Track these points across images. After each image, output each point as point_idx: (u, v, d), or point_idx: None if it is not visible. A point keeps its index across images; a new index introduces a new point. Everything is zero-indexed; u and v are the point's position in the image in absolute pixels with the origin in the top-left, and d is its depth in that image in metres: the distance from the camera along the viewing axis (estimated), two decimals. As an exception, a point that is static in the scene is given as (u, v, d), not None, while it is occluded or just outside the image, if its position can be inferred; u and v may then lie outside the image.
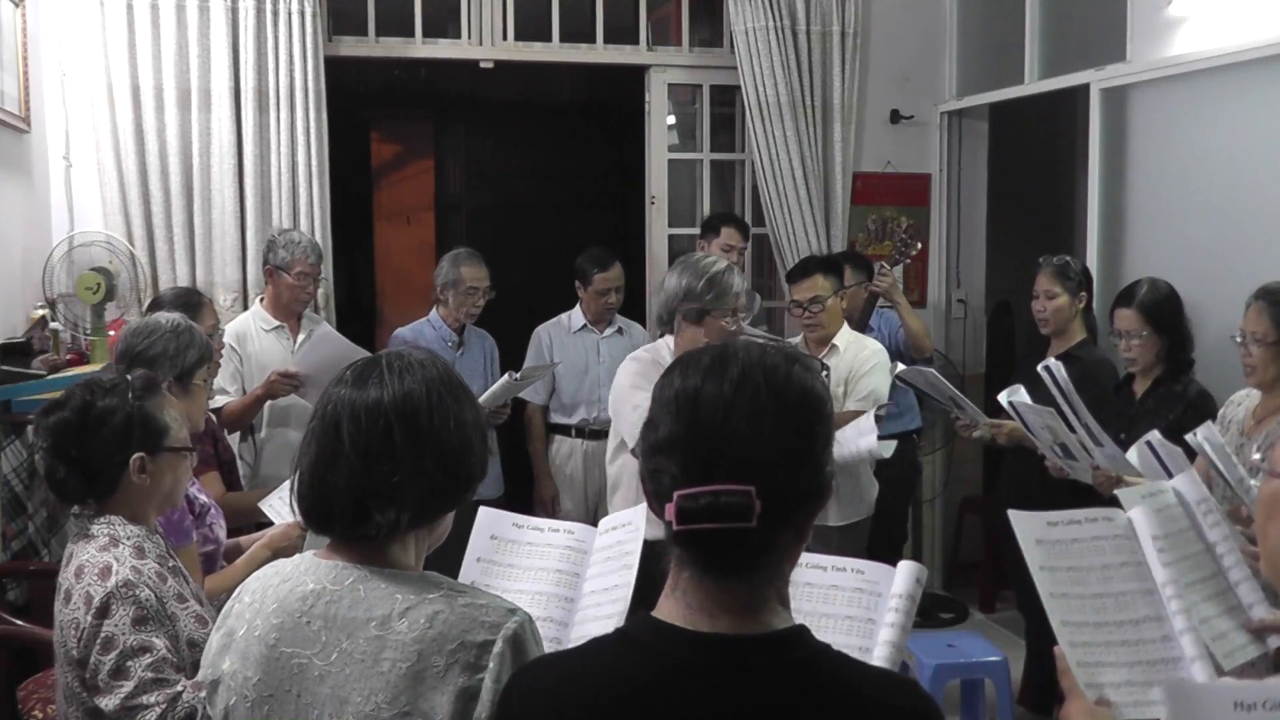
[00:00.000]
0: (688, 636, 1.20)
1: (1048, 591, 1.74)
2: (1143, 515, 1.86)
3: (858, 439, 3.35)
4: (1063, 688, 1.64)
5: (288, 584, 1.48)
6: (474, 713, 1.36)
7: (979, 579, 5.38)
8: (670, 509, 1.18)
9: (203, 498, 2.57)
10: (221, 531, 2.60)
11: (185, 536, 2.39)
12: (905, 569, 1.69)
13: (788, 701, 1.18)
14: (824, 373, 3.41)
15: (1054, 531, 1.80)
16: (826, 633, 1.65)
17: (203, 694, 1.84)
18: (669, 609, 1.23)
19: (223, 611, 1.55)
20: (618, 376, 3.33)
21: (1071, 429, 3.03)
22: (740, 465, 1.18)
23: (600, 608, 1.86)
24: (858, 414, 3.65)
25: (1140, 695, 1.67)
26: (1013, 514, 1.80)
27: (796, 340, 4.00)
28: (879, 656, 1.63)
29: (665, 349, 3.24)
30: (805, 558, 1.74)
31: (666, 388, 1.26)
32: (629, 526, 1.95)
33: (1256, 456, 1.43)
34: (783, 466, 1.20)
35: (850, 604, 1.68)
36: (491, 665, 1.37)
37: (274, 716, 1.44)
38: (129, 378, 2.15)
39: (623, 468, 3.34)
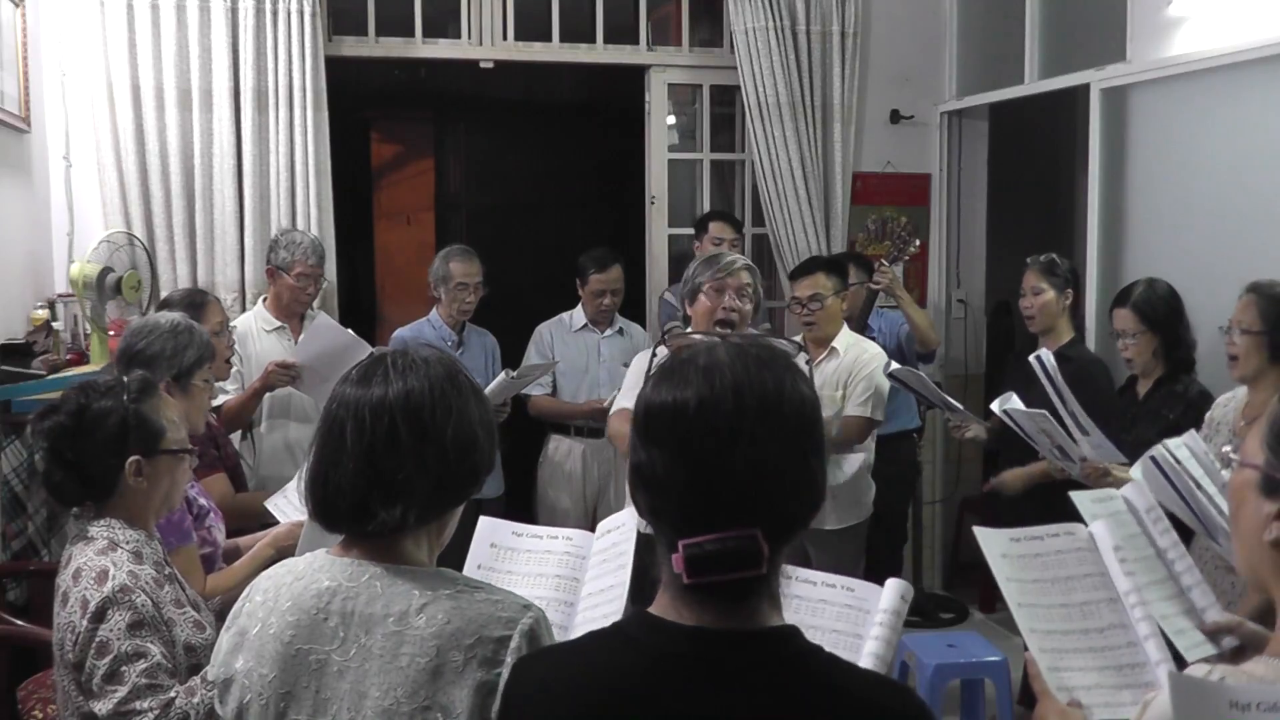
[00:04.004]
0: (681, 630, 1.20)
1: (1015, 601, 1.80)
2: (1104, 528, 1.92)
3: None
4: (1035, 691, 1.67)
5: (301, 581, 1.49)
6: (492, 706, 1.38)
7: (979, 579, 5.37)
8: (678, 560, 1.16)
9: (202, 500, 2.56)
10: (220, 535, 2.59)
11: (186, 537, 2.38)
12: (892, 587, 1.71)
13: (778, 697, 1.18)
14: (802, 357, 3.41)
15: (1017, 546, 1.86)
16: None
17: (195, 699, 1.85)
18: (663, 605, 1.23)
19: (233, 610, 1.55)
20: (632, 369, 3.42)
21: (1061, 420, 3.06)
22: (742, 504, 1.16)
23: (598, 608, 1.88)
24: (856, 419, 3.65)
25: (1110, 697, 1.71)
26: (978, 530, 1.86)
27: (796, 339, 3.99)
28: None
29: None
30: (795, 572, 1.75)
31: (655, 410, 1.21)
32: (623, 528, 1.97)
33: (1227, 449, 1.45)
34: (786, 496, 1.18)
35: (839, 619, 1.71)
36: (509, 660, 1.39)
37: (291, 713, 1.45)
38: (124, 379, 2.13)
39: None
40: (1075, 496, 2.04)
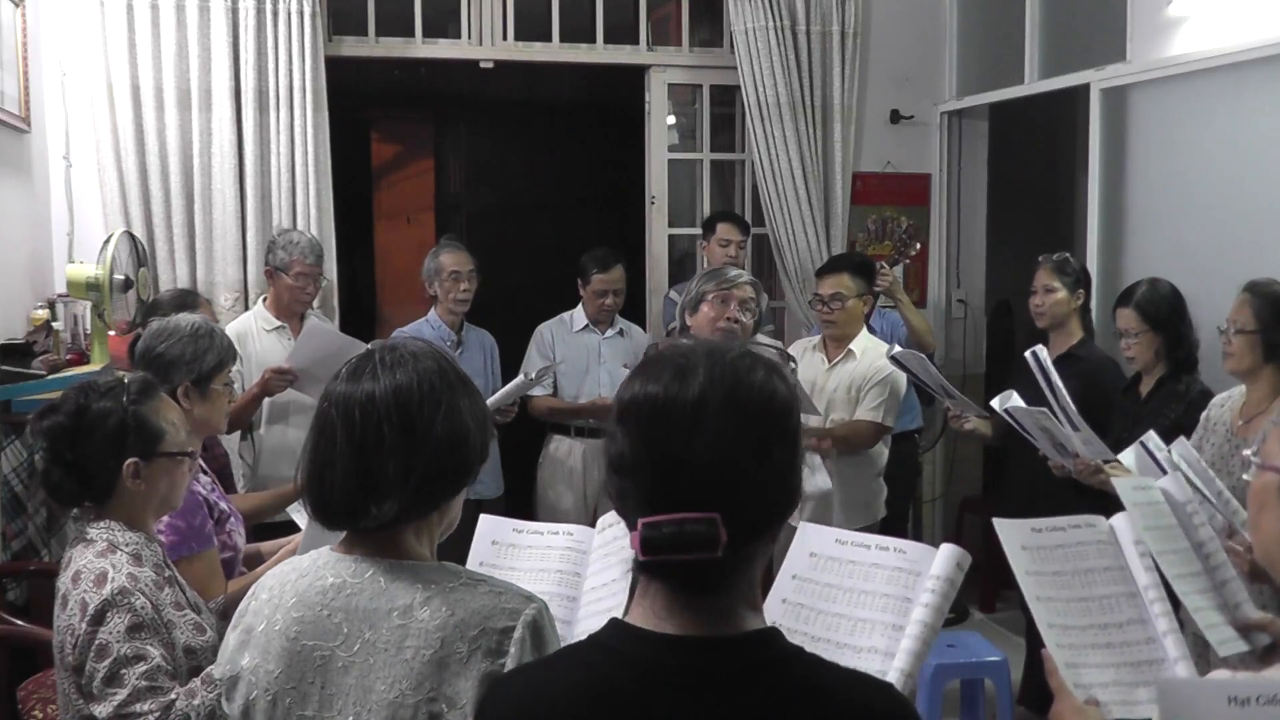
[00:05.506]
0: (658, 639, 1.19)
1: (1033, 595, 1.77)
2: (1124, 521, 1.89)
3: (809, 480, 3.33)
4: (1051, 688, 1.66)
5: (306, 579, 1.50)
6: None
7: (979, 579, 5.37)
8: (634, 538, 1.16)
9: (223, 505, 2.55)
10: (240, 539, 2.58)
11: (207, 541, 2.38)
12: (947, 552, 1.67)
13: (759, 702, 1.17)
14: (790, 365, 3.42)
15: (1038, 538, 1.83)
16: (862, 608, 1.66)
17: (196, 701, 1.86)
18: (639, 614, 1.22)
19: (239, 609, 1.56)
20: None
21: (1055, 416, 3.07)
22: (704, 490, 1.16)
23: (601, 602, 1.88)
24: (868, 424, 3.63)
25: (1127, 695, 1.69)
26: (997, 522, 1.83)
27: (815, 339, 3.97)
28: (910, 635, 1.62)
29: None
30: (850, 536, 1.73)
31: (627, 402, 1.22)
32: (623, 523, 1.96)
33: (1248, 452, 1.44)
34: (750, 487, 1.18)
35: (889, 582, 1.67)
36: (513, 650, 1.40)
37: (297, 708, 1.46)
38: (125, 381, 2.12)
39: None
40: (1117, 483, 2.02)
